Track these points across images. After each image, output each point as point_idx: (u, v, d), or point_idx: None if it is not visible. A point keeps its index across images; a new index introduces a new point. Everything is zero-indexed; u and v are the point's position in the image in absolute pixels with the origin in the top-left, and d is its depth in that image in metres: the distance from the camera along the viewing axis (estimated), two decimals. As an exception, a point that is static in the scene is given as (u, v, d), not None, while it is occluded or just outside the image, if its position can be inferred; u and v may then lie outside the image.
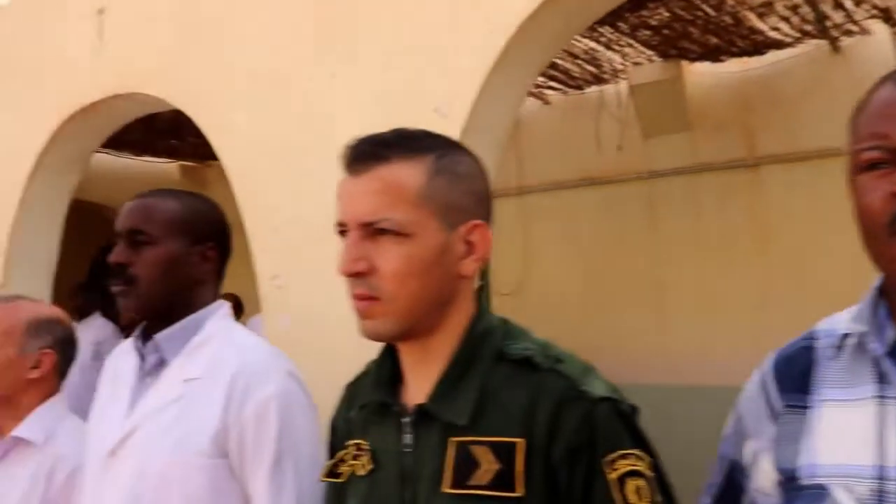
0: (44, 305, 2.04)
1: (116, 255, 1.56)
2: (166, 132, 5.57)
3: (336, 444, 1.26)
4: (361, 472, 1.16)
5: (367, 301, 1.08)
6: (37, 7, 3.84)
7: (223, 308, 1.65)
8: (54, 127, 3.55)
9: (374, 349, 2.53)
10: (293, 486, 1.47)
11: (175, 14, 3.23)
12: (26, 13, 3.91)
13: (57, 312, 2.03)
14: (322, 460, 1.43)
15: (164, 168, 6.66)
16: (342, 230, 1.12)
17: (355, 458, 1.18)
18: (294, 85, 2.84)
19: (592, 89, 5.55)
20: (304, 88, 2.81)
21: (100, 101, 3.43)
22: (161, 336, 1.57)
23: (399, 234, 1.07)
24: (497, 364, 1.10)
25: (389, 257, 1.07)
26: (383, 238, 1.08)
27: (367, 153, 1.10)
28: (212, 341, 1.58)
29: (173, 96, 3.16)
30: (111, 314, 5.78)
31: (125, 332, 5.82)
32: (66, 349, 2.00)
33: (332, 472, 1.23)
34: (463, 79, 2.45)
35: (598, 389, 1.06)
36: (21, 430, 1.90)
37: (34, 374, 1.94)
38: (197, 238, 1.60)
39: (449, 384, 1.09)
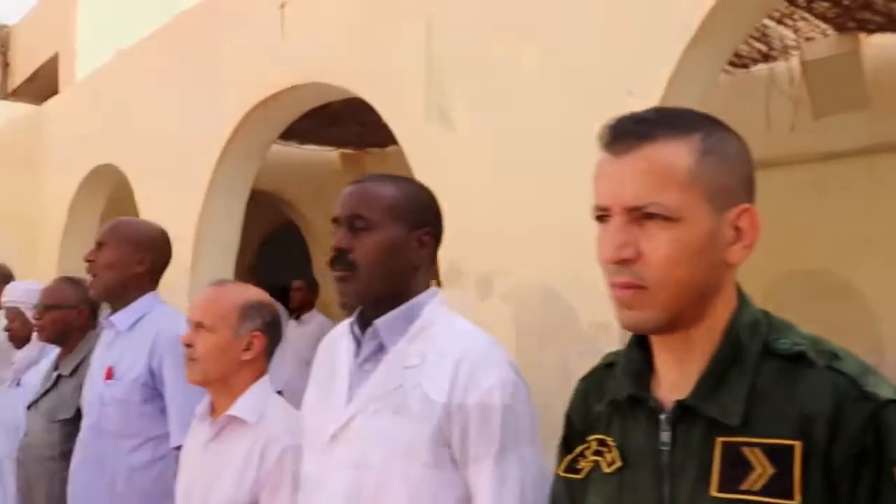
0: (252, 289, 2.13)
1: (338, 240, 1.58)
2: (330, 121, 5.74)
3: (573, 438, 1.22)
4: (607, 470, 1.12)
5: (631, 290, 1.03)
6: (223, 3, 4.04)
7: (438, 294, 1.66)
8: (239, 118, 3.73)
9: (537, 342, 2.48)
10: (517, 479, 1.46)
11: (354, 4, 3.30)
12: (214, 10, 4.12)
13: (264, 295, 2.12)
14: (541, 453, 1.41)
15: (325, 156, 6.87)
16: (602, 215, 1.07)
17: (597, 453, 1.14)
18: (477, 68, 2.83)
19: (759, 67, 5.28)
20: (488, 72, 2.80)
21: (281, 92, 3.56)
22: (380, 322, 1.59)
23: (668, 218, 1.01)
24: (765, 359, 1.03)
25: (658, 243, 1.01)
26: (650, 223, 1.02)
27: (631, 132, 1.04)
28: (431, 328, 1.58)
29: (353, 84, 3.23)
30: (280, 298, 6.04)
31: (294, 314, 6.09)
32: (273, 331, 2.09)
33: (570, 468, 1.20)
34: (655, 61, 2.37)
35: (883, 390, 0.98)
36: (236, 408, 1.99)
37: (247, 356, 2.03)
38: (414, 223, 1.61)
39: (715, 380, 1.04)
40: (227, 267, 4.11)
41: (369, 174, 1.70)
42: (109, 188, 5.34)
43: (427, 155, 2.96)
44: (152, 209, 4.31)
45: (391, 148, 6.45)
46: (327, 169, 6.77)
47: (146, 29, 4.83)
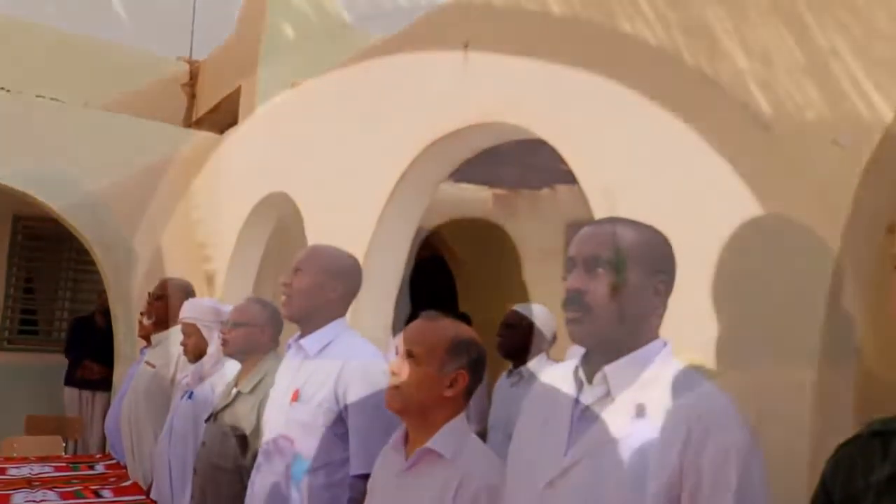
0: (462, 326, 2.12)
1: (574, 280, 1.55)
2: (488, 161, 5.76)
3: None
4: None
5: None
6: (404, 43, 4.13)
7: (668, 345, 1.59)
8: (415, 154, 3.77)
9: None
10: None
11: (535, 45, 3.27)
12: (395, 48, 4.21)
13: (472, 333, 2.10)
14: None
15: (477, 194, 6.91)
16: None
17: None
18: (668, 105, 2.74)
19: None
20: (681, 110, 2.70)
21: (459, 131, 3.57)
22: (610, 369, 1.54)
23: None
24: None
25: None
26: None
27: None
28: (661, 380, 1.52)
29: (535, 125, 3.21)
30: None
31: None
32: (477, 370, 2.06)
33: None
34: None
35: None
36: (434, 442, 1.98)
37: (449, 393, 2.01)
38: (652, 269, 1.56)
39: None
40: (389, 301, 4.14)
41: (610, 216, 1.66)
42: (276, 217, 5.53)
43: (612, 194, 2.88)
44: (320, 239, 4.41)
45: (544, 191, 6.42)
46: (478, 207, 6.80)
47: (326, 66, 4.99)
